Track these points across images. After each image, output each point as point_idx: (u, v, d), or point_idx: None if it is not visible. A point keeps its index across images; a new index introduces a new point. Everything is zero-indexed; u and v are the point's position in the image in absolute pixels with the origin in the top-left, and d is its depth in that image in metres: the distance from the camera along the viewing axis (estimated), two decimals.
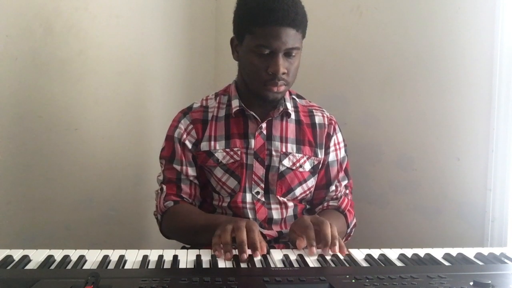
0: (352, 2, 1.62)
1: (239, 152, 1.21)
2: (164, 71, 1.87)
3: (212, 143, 1.22)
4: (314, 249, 0.95)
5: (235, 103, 1.22)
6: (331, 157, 1.28)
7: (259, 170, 1.21)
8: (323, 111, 1.31)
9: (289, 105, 1.25)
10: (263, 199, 1.21)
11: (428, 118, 1.45)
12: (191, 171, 1.24)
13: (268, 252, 0.95)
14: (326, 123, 1.28)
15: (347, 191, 1.30)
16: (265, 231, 1.20)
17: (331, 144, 1.28)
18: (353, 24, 1.63)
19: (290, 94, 1.29)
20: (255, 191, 1.21)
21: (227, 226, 0.96)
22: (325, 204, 1.27)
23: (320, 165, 1.27)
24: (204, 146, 1.22)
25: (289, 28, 1.09)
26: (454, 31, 1.38)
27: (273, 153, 1.21)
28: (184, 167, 1.23)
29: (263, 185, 1.21)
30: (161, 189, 1.24)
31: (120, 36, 1.68)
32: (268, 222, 1.22)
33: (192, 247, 1.21)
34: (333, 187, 1.28)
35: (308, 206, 1.30)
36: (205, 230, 1.05)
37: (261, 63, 1.12)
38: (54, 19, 1.49)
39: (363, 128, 1.61)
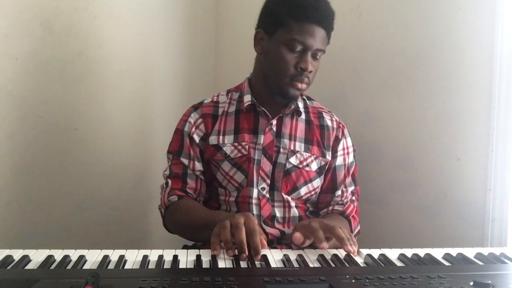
0: (352, 2, 1.62)
1: (246, 147, 1.21)
2: (164, 71, 1.87)
3: (221, 137, 1.22)
4: (326, 244, 0.94)
5: (247, 98, 1.23)
6: (339, 161, 1.28)
7: (266, 166, 1.21)
8: (333, 115, 1.33)
9: (300, 105, 1.26)
10: (267, 195, 1.21)
11: (428, 118, 1.45)
12: (198, 166, 1.24)
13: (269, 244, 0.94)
14: (335, 126, 1.29)
15: (353, 198, 1.29)
16: (268, 229, 1.19)
17: (339, 148, 1.28)
18: (353, 24, 1.62)
19: (301, 95, 1.30)
20: (261, 186, 1.21)
21: (225, 223, 0.94)
22: (330, 208, 1.27)
23: (327, 167, 1.27)
24: (212, 140, 1.23)
25: (323, 30, 1.14)
26: (454, 31, 1.38)
27: (281, 150, 1.22)
28: (191, 161, 1.23)
29: (268, 181, 1.21)
30: (166, 183, 1.24)
31: (120, 36, 1.68)
32: (272, 219, 1.21)
33: (192, 247, 1.22)
34: (339, 192, 1.27)
35: (311, 209, 1.30)
36: (205, 227, 1.04)
37: (291, 58, 1.14)
38: (54, 19, 1.49)
39: (363, 128, 1.61)
